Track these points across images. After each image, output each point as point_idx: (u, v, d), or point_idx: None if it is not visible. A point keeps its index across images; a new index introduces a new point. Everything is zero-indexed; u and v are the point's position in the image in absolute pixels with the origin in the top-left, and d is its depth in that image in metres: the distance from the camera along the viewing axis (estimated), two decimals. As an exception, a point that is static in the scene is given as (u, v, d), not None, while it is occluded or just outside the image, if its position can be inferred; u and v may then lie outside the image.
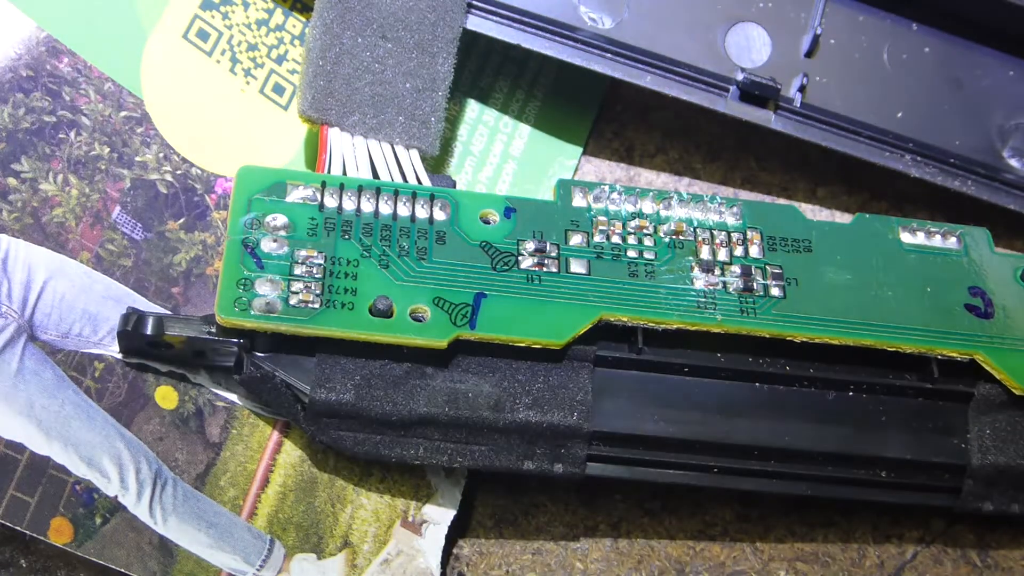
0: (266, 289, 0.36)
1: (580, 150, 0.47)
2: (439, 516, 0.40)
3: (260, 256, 0.36)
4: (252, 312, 0.35)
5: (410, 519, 0.40)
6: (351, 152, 0.39)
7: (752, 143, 0.47)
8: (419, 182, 0.39)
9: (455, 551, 0.42)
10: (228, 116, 0.42)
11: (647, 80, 0.43)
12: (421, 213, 0.38)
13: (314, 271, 0.36)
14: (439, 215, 0.38)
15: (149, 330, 0.37)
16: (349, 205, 0.38)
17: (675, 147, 0.48)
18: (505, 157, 0.46)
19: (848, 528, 0.43)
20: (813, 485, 0.39)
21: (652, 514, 0.43)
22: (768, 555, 0.43)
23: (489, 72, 0.46)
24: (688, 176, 0.47)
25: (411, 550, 0.39)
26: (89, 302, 0.39)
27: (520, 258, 0.38)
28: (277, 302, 0.36)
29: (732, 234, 0.40)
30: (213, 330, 0.37)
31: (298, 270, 0.36)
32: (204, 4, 0.43)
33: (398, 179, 0.39)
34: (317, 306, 0.36)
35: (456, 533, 0.42)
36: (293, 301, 0.36)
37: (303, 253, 0.37)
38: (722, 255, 0.39)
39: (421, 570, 0.39)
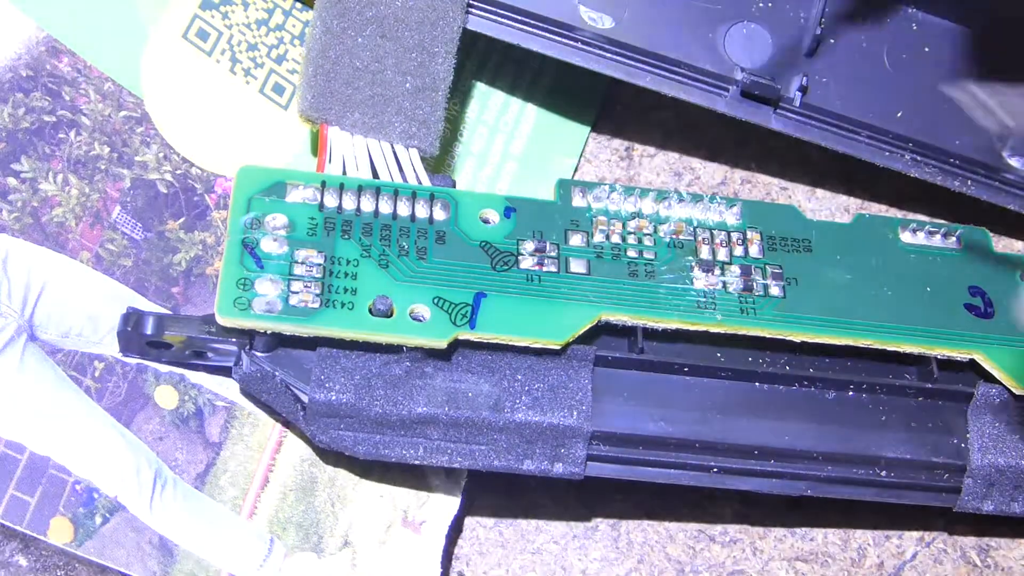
0: (266, 289, 0.36)
1: (580, 149, 0.47)
2: (439, 516, 0.40)
3: (260, 256, 0.36)
4: (252, 312, 0.35)
5: (410, 519, 0.40)
6: (351, 151, 0.39)
7: (752, 143, 0.48)
8: (419, 182, 0.39)
9: (455, 551, 0.42)
10: (228, 116, 0.42)
11: (647, 80, 0.43)
12: (421, 213, 0.38)
13: (314, 271, 0.36)
14: (439, 215, 0.38)
15: (149, 330, 0.37)
16: (349, 205, 0.38)
17: (675, 147, 0.48)
18: (505, 156, 0.46)
19: (848, 528, 0.44)
20: (813, 485, 0.39)
21: (652, 514, 0.43)
22: (768, 555, 0.43)
23: (489, 71, 0.46)
24: (688, 176, 0.48)
25: (411, 550, 0.40)
26: (89, 302, 0.39)
27: (520, 258, 0.38)
28: (277, 302, 0.36)
29: (732, 234, 0.40)
30: (213, 330, 0.37)
31: (298, 270, 0.36)
32: (204, 4, 0.43)
33: (398, 178, 0.39)
34: (317, 306, 0.36)
35: (456, 533, 0.42)
36: (293, 301, 0.36)
37: (303, 253, 0.36)
38: (722, 255, 0.39)
39: (421, 570, 0.39)
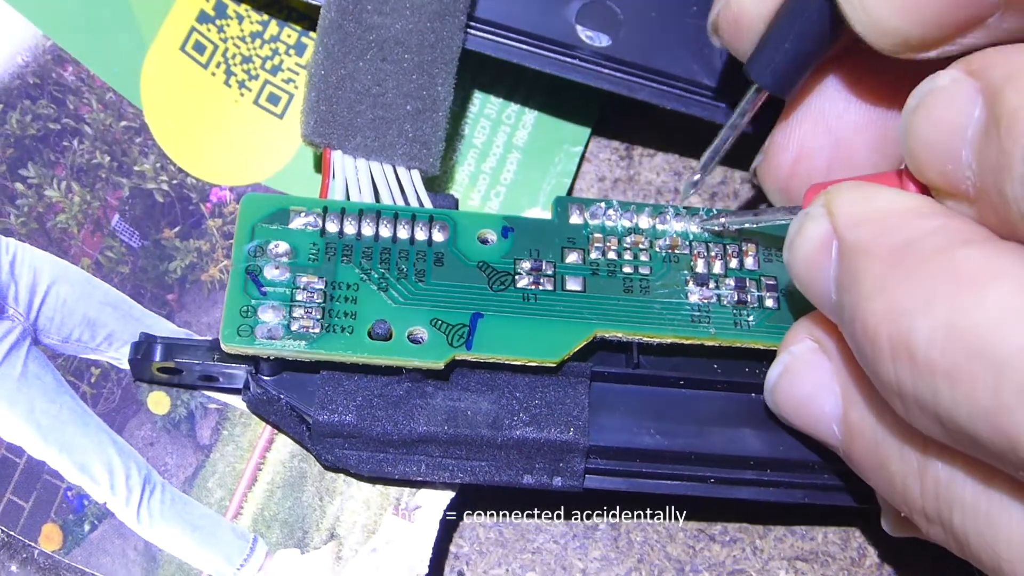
0: (268, 316, 0.38)
1: (586, 139, 0.47)
2: (433, 502, 0.41)
3: (263, 283, 0.38)
4: (255, 339, 0.37)
5: (402, 507, 0.41)
6: (353, 174, 0.41)
7: (753, 143, 0.48)
8: (420, 202, 0.41)
9: (455, 550, 0.43)
10: (223, 127, 0.44)
11: (645, 94, 0.44)
12: (420, 235, 0.40)
13: (315, 296, 0.38)
14: (438, 236, 0.40)
15: (158, 357, 0.39)
16: (350, 229, 0.39)
17: (675, 147, 0.49)
18: (509, 147, 0.46)
19: (848, 528, 0.44)
20: (810, 493, 0.40)
21: (652, 514, 0.44)
22: (768, 555, 0.44)
23: (491, 68, 0.46)
24: (688, 175, 0.48)
25: (401, 538, 0.40)
26: (89, 308, 0.41)
27: (516, 277, 0.39)
28: (279, 328, 0.37)
29: (727, 246, 0.41)
30: (219, 356, 0.39)
31: (299, 296, 0.38)
32: (200, 17, 0.44)
33: (399, 199, 0.41)
34: (318, 331, 0.37)
35: (455, 532, 0.43)
36: (294, 327, 0.37)
37: (304, 279, 0.38)
38: (717, 268, 0.40)
39: (411, 558, 0.40)
